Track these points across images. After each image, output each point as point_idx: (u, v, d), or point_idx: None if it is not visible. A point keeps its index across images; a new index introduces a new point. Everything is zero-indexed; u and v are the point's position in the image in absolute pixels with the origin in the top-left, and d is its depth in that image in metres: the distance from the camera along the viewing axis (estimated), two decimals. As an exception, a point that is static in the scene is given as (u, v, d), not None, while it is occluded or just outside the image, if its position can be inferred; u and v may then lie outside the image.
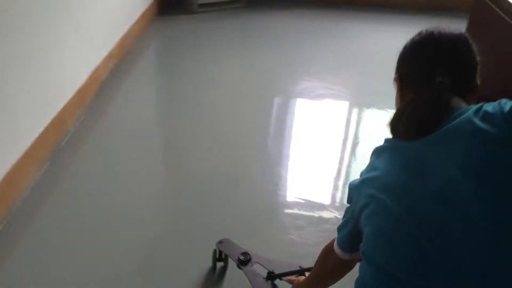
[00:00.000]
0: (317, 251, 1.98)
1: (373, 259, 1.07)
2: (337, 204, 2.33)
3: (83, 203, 2.27)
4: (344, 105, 3.29)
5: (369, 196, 1.09)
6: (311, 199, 2.35)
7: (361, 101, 3.30)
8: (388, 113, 3.12)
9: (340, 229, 1.31)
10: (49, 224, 2.14)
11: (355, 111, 3.25)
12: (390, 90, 3.71)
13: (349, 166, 2.67)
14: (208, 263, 1.94)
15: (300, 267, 1.75)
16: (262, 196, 2.37)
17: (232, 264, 1.90)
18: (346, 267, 1.37)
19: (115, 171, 2.51)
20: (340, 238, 1.31)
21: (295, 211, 2.26)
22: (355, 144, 2.85)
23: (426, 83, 1.10)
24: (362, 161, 2.62)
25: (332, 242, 1.36)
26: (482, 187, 0.94)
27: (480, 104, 1.03)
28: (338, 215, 2.22)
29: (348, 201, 1.24)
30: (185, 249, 2.03)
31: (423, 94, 1.10)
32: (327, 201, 2.37)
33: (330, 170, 2.59)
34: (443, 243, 0.95)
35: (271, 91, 3.39)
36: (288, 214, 2.24)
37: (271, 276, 1.78)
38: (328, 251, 1.39)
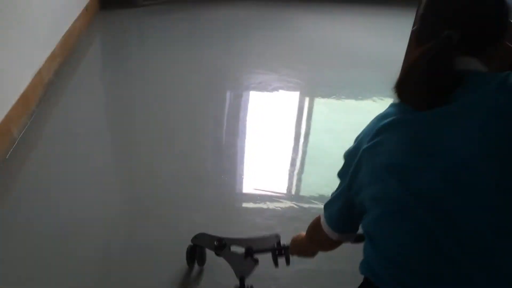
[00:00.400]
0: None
1: (380, 245, 0.99)
2: (303, 198, 2.30)
3: (34, 215, 2.11)
4: (301, 97, 3.26)
5: (373, 174, 0.98)
6: (277, 196, 2.30)
7: (318, 92, 3.28)
8: (344, 103, 3.12)
9: (328, 205, 1.20)
10: (1, 236, 1.98)
11: (312, 102, 3.22)
12: (346, 80, 3.75)
13: (309, 157, 2.63)
14: (177, 264, 1.87)
15: (276, 235, 1.73)
16: (227, 196, 2.30)
17: (209, 260, 1.84)
18: (335, 244, 1.27)
19: (66, 178, 2.36)
20: (328, 215, 1.20)
21: (263, 208, 2.21)
22: (314, 135, 2.82)
23: (433, 38, 0.95)
24: (322, 153, 2.60)
25: (318, 218, 1.25)
26: (504, 175, 0.85)
27: (505, 74, 0.91)
28: (307, 208, 2.19)
29: (341, 173, 1.11)
30: (152, 254, 1.93)
31: (425, 51, 0.96)
32: (292, 195, 2.33)
33: (293, 164, 2.56)
34: (456, 232, 0.88)
35: (226, 85, 3.31)
36: (256, 213, 2.18)
37: (250, 252, 1.70)
38: (315, 228, 1.28)
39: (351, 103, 3.12)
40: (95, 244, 2.00)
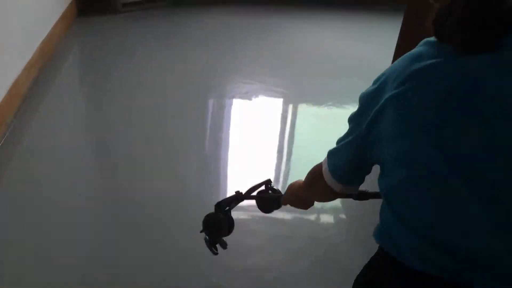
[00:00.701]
0: (284, 274, 1.89)
1: (403, 214, 0.87)
2: (294, 216, 2.22)
3: (12, 233, 1.99)
4: (289, 107, 3.19)
5: (399, 129, 0.83)
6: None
7: (305, 102, 3.22)
8: (332, 113, 3.06)
9: (334, 153, 1.02)
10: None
11: (300, 113, 3.16)
12: (333, 89, 3.67)
13: (297, 171, 2.55)
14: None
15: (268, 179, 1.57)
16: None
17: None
18: (336, 195, 1.10)
19: (46, 193, 2.24)
20: (333, 164, 1.02)
21: (253, 228, 2.13)
22: (302, 147, 2.75)
23: None
24: (312, 165, 2.52)
25: (320, 166, 1.09)
26: None
27: None
28: (298, 226, 2.11)
29: (353, 118, 0.96)
30: (136, 277, 1.83)
31: None
32: (283, 213, 2.25)
33: (281, 178, 2.49)
34: (495, 210, 0.78)
35: (211, 95, 3.23)
36: (246, 233, 2.09)
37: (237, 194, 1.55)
38: (315, 176, 1.12)
39: (339, 112, 3.06)
40: (75, 264, 1.89)
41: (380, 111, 0.86)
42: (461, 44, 0.79)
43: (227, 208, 1.52)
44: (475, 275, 0.84)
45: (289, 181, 2.46)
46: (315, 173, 1.11)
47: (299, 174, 2.46)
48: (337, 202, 2.32)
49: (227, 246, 1.47)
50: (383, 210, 0.92)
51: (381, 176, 0.92)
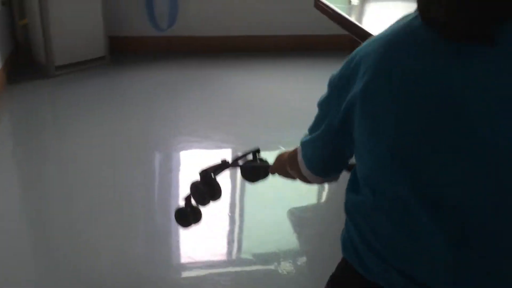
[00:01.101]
0: None
1: (369, 240, 0.74)
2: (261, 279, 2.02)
3: None
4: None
5: (368, 146, 0.69)
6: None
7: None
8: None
9: (307, 144, 0.93)
10: None
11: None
12: (287, 140, 3.53)
13: (252, 232, 2.38)
14: None
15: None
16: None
17: None
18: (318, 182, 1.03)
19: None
20: (306, 157, 0.94)
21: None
22: (261, 209, 2.58)
23: None
24: (278, 235, 2.35)
25: (295, 153, 0.98)
26: None
27: None
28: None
29: (323, 102, 0.86)
30: None
31: None
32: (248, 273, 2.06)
33: (235, 239, 2.29)
34: (479, 260, 0.66)
35: (156, 158, 3.04)
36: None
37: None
38: (293, 163, 1.01)
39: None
40: None
41: (350, 109, 0.73)
42: (449, 29, 0.61)
43: (213, 175, 1.41)
44: None
45: (244, 244, 2.29)
46: (293, 159, 1.02)
47: (255, 236, 2.31)
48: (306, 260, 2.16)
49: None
50: (350, 226, 0.79)
51: (350, 189, 0.79)
